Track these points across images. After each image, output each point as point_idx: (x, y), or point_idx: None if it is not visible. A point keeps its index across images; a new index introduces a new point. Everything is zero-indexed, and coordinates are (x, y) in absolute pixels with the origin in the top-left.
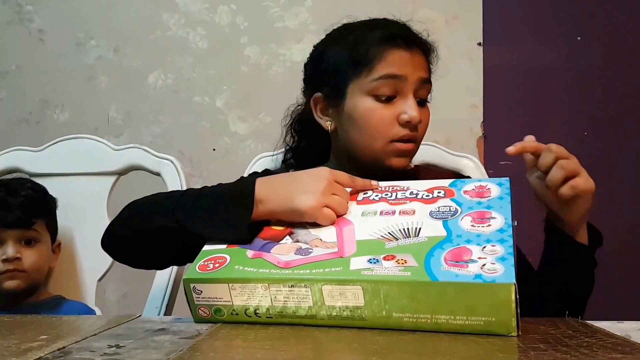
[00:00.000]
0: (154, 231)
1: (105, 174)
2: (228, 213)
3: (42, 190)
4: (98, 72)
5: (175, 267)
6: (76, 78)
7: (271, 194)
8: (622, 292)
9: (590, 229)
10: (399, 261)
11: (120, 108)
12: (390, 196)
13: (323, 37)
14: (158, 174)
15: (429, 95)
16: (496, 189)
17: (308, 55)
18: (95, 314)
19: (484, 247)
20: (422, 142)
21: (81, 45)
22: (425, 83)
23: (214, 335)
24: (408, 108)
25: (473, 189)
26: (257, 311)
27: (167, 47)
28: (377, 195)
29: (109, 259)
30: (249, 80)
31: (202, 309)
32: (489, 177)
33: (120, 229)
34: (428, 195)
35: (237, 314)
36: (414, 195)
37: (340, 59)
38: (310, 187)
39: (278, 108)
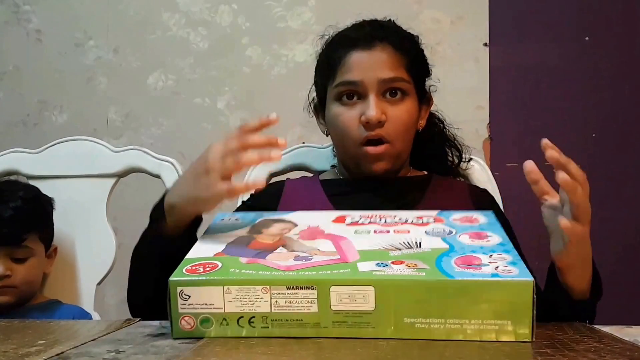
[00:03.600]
0: (139, 281)
1: (105, 176)
2: (149, 229)
3: (34, 197)
4: (97, 73)
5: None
6: (75, 79)
7: (175, 195)
8: (630, 296)
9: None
10: (409, 265)
11: (120, 109)
12: (380, 220)
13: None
14: (158, 176)
15: (413, 88)
16: (483, 217)
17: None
18: (90, 318)
19: (491, 255)
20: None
21: (80, 46)
22: (393, 82)
23: (215, 339)
24: (366, 108)
25: (461, 217)
26: (252, 319)
27: (167, 48)
28: (365, 220)
29: (108, 263)
30: (251, 82)
31: (185, 318)
32: (495, 179)
33: (129, 298)
34: (418, 220)
35: (227, 324)
36: (404, 221)
37: (319, 67)
38: (199, 170)
39: (280, 110)
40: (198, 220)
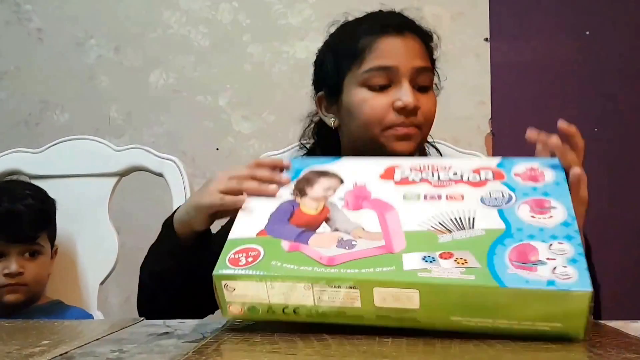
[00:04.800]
0: (152, 293)
1: (107, 176)
2: (163, 245)
3: (43, 197)
4: (98, 72)
5: None
6: (76, 78)
7: (181, 208)
8: (635, 292)
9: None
10: (458, 260)
11: (121, 108)
12: (432, 176)
13: (325, 36)
14: (160, 175)
15: (434, 83)
16: (550, 173)
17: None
18: (92, 319)
19: (551, 244)
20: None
21: (81, 45)
22: (423, 71)
23: (219, 338)
24: (402, 94)
25: (525, 172)
26: (297, 310)
27: (168, 46)
28: (417, 175)
29: (110, 262)
30: (252, 79)
31: (234, 305)
32: None
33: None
34: (475, 177)
35: (274, 312)
36: (459, 177)
37: (334, 56)
38: (205, 183)
39: (282, 107)
40: (205, 236)
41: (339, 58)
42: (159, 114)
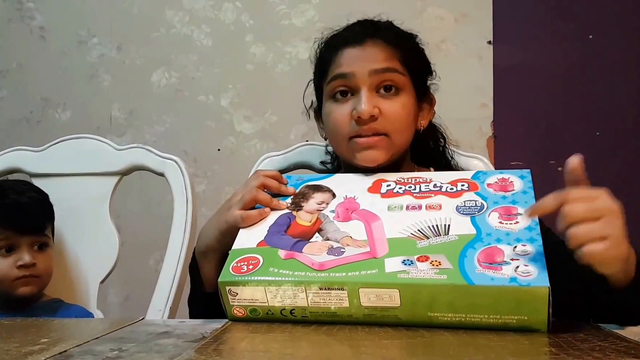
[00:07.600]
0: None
1: (108, 175)
2: (194, 294)
3: (45, 193)
4: (101, 71)
5: (179, 269)
6: (78, 76)
7: (201, 241)
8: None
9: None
10: (433, 262)
11: (123, 107)
12: (414, 189)
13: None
14: (162, 175)
15: (411, 84)
16: (519, 182)
17: None
18: (93, 317)
19: (515, 246)
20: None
21: (83, 43)
22: (385, 73)
23: (218, 338)
24: (357, 103)
25: (496, 182)
26: (293, 311)
27: (171, 45)
28: (400, 188)
29: (111, 261)
30: (255, 79)
31: (237, 309)
32: None
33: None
34: (452, 189)
35: (272, 314)
36: (438, 188)
37: (314, 72)
38: (222, 208)
39: (284, 107)
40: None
41: (316, 74)
42: (160, 114)
